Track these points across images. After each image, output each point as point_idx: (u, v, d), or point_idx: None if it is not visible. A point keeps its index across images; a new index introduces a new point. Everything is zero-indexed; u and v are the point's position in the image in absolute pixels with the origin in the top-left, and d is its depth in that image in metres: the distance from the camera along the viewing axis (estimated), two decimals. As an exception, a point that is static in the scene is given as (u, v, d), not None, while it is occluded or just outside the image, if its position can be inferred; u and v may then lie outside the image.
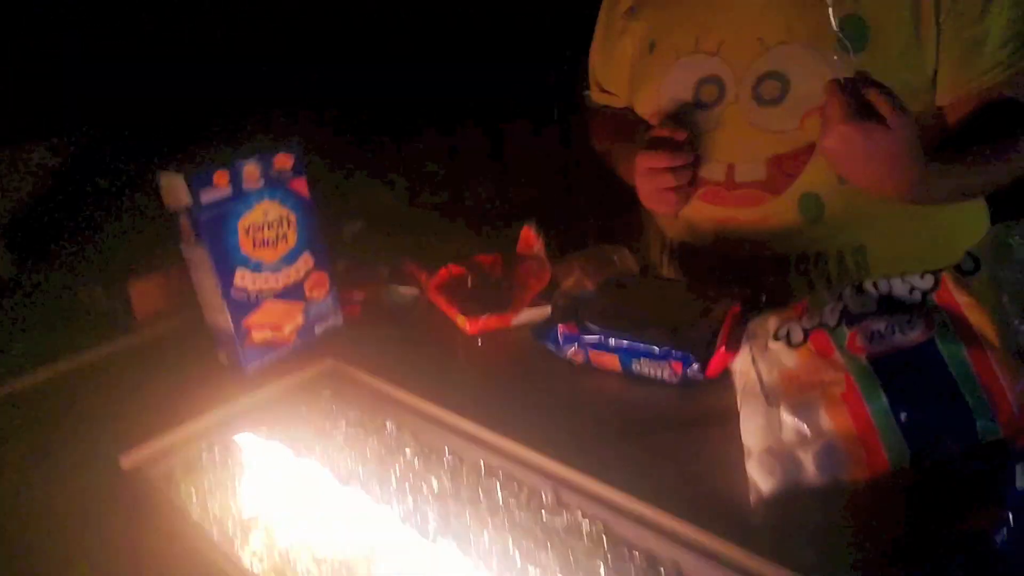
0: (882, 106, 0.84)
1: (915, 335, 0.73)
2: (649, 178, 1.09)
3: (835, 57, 0.89)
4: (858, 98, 0.84)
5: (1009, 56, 0.96)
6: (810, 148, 1.03)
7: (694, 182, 1.12)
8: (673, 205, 1.12)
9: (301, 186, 1.13)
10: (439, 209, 2.41)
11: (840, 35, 0.88)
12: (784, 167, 1.05)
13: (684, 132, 1.08)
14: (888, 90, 0.85)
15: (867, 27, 0.96)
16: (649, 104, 1.18)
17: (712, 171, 1.12)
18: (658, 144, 1.08)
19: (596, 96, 1.38)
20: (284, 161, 1.11)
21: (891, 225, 1.06)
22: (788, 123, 1.04)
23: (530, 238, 1.25)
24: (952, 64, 0.98)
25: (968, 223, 1.11)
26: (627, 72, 1.25)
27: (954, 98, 1.01)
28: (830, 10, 0.87)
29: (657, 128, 1.11)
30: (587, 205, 2.41)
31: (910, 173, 0.89)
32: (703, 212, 1.15)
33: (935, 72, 0.99)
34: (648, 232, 1.36)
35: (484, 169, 2.60)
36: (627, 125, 1.28)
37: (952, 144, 0.98)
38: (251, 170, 1.07)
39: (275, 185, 1.10)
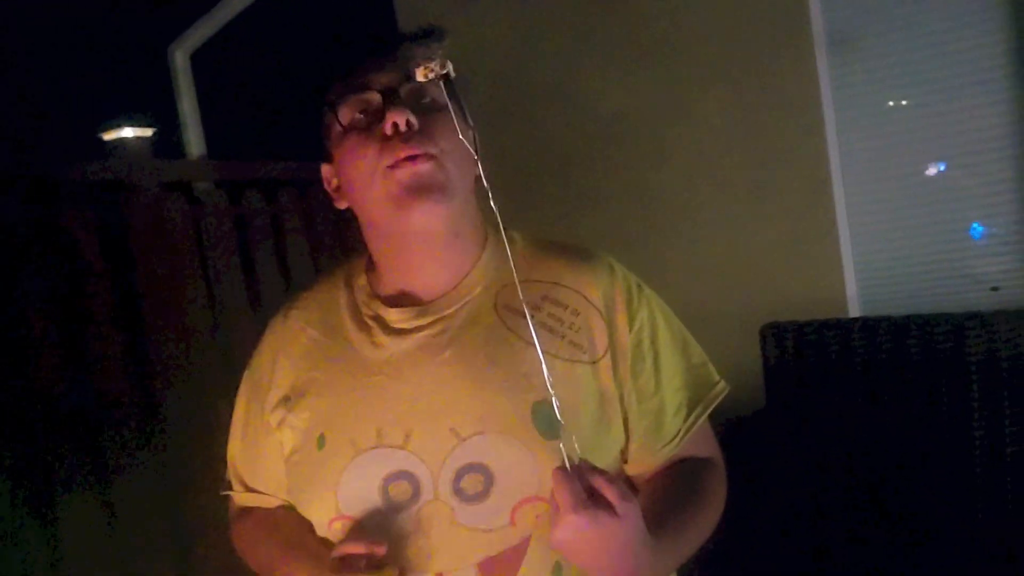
0: (608, 492, 0.83)
1: None
2: None
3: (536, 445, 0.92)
4: (584, 485, 0.83)
5: (683, 421, 1.03)
6: (523, 544, 0.94)
7: None
8: None
9: None
10: None
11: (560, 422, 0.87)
12: (497, 570, 0.94)
13: (382, 544, 0.92)
14: (611, 476, 0.85)
15: (559, 408, 0.91)
16: (325, 510, 0.99)
17: None
18: (350, 565, 0.91)
19: (241, 497, 1.15)
20: None
21: None
22: (498, 520, 0.94)
23: None
24: (640, 436, 1.02)
25: None
26: (282, 468, 1.06)
27: (645, 468, 1.04)
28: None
29: (346, 542, 0.93)
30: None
31: (640, 558, 0.87)
32: None
33: (623, 446, 1.02)
34: None
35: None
36: (291, 533, 1.06)
37: (651, 505, 0.97)
38: None
39: None
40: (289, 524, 1.07)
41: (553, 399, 0.87)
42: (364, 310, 1.05)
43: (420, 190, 0.94)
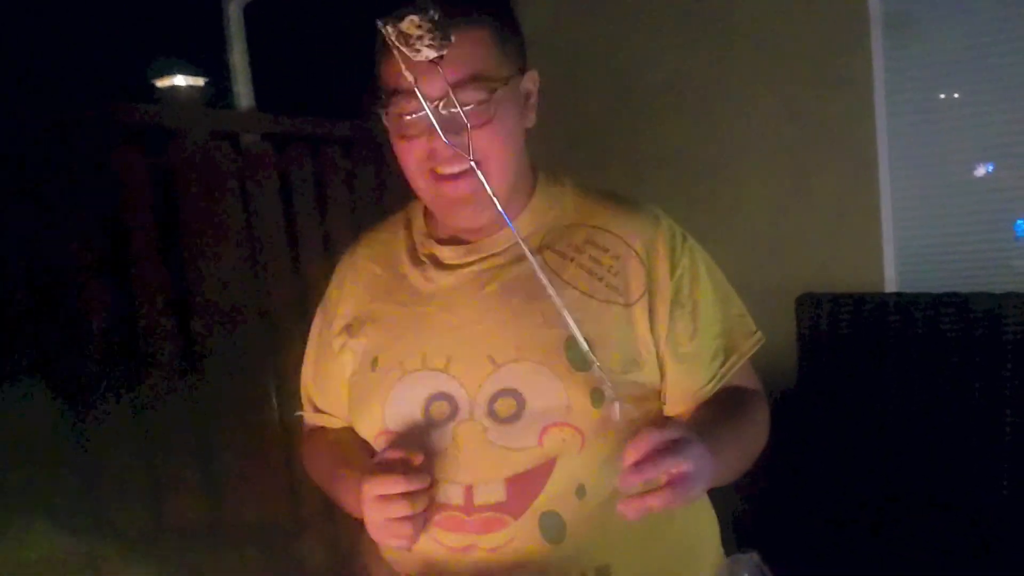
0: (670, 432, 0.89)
1: None
2: (380, 507, 0.97)
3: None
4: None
5: (720, 366, 1.08)
6: (549, 465, 1.01)
7: (430, 509, 1.02)
8: (409, 537, 1.00)
9: None
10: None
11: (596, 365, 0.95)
12: (523, 486, 1.01)
13: (419, 454, 0.99)
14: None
15: (590, 345, 0.97)
16: (373, 424, 1.09)
17: (449, 494, 1.03)
18: (388, 468, 0.98)
19: (310, 416, 1.26)
20: None
21: (633, 543, 1.04)
22: (527, 440, 1.01)
23: None
24: (678, 379, 1.07)
25: (703, 535, 1.13)
26: (345, 390, 1.16)
27: (684, 409, 1.09)
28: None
29: (387, 450, 1.02)
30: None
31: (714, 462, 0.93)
32: (441, 541, 1.04)
33: (658, 386, 1.07)
34: (373, 573, 1.19)
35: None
36: (347, 448, 1.17)
37: (703, 419, 1.05)
38: None
39: None
40: (346, 443, 1.17)
41: (577, 333, 0.93)
42: (420, 248, 1.13)
43: (464, 202, 1.03)
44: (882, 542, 1.54)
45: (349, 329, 1.15)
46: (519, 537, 1.02)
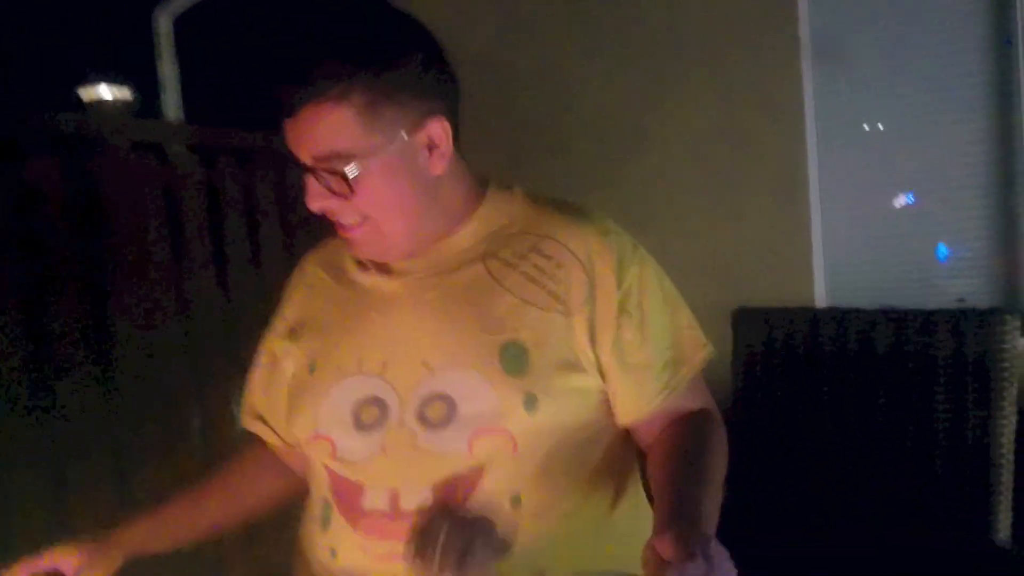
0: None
1: None
2: None
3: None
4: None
5: (669, 378, 1.07)
6: (478, 472, 1.00)
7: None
8: None
9: None
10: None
11: None
12: (451, 493, 1.00)
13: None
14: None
15: (526, 350, 1.01)
16: (307, 427, 1.10)
17: (376, 500, 1.03)
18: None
19: (246, 421, 1.27)
20: None
21: (571, 552, 1.04)
22: (456, 446, 1.00)
23: None
24: (626, 390, 1.06)
25: (641, 530, 1.02)
26: (285, 396, 1.17)
27: (635, 420, 1.08)
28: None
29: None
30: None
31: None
32: (368, 549, 1.04)
33: (600, 395, 1.06)
34: None
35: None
36: (210, 485, 1.23)
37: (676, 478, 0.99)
38: None
39: None
40: (219, 482, 1.23)
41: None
42: None
43: (367, 251, 1.08)
44: (818, 552, 1.55)
45: (292, 334, 1.17)
46: None
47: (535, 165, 2.83)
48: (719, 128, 2.73)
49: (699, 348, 1.11)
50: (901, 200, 2.78)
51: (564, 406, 1.01)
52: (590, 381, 1.04)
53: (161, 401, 2.17)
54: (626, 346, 1.05)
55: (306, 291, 1.20)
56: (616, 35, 2.84)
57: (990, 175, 2.63)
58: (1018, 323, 1.61)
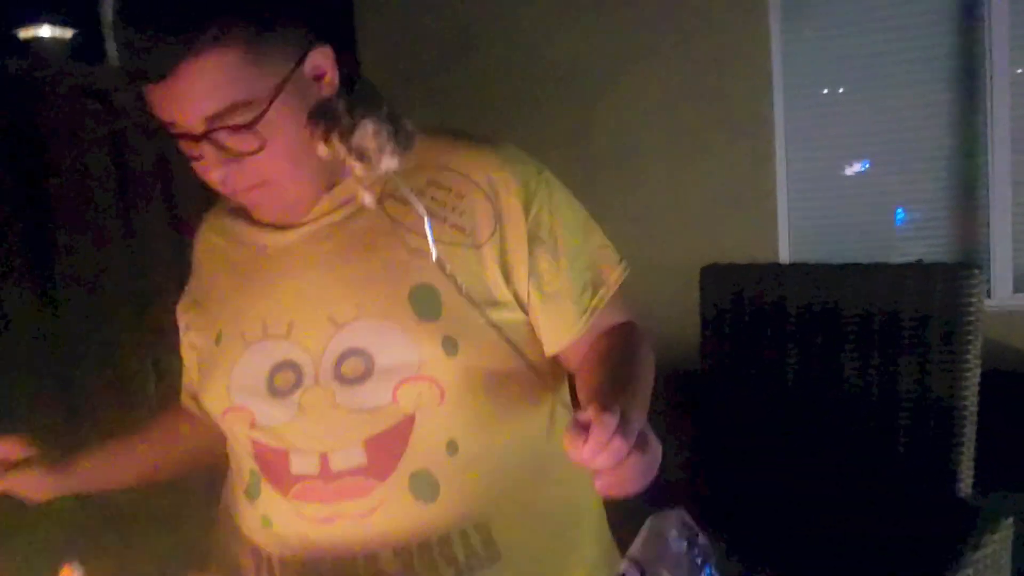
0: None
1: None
2: None
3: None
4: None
5: (589, 300, 1.04)
6: (409, 421, 0.97)
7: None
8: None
9: None
10: None
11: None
12: (384, 447, 0.97)
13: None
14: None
15: (437, 292, 0.96)
16: (219, 400, 1.04)
17: (304, 465, 0.99)
18: None
19: (185, 400, 1.23)
20: None
21: (513, 498, 1.02)
22: (379, 399, 0.96)
23: None
24: (548, 318, 1.03)
25: (587, 489, 0.97)
26: (196, 369, 1.13)
27: (561, 347, 1.05)
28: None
29: None
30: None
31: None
32: (303, 513, 1.00)
33: (522, 327, 1.03)
34: (231, 553, 1.12)
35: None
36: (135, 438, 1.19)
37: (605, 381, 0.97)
38: None
39: None
40: (135, 435, 1.19)
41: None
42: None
43: (270, 211, 1.01)
44: (783, 504, 1.56)
45: (196, 305, 1.12)
46: (388, 500, 0.97)
47: (500, 117, 2.78)
48: (687, 86, 2.71)
49: (615, 266, 1.07)
50: (865, 162, 2.81)
51: (486, 345, 0.97)
52: (509, 315, 1.00)
53: (112, 359, 2.13)
54: (543, 274, 1.01)
55: (204, 259, 1.14)
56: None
57: (951, 141, 2.67)
58: (985, 278, 1.63)
